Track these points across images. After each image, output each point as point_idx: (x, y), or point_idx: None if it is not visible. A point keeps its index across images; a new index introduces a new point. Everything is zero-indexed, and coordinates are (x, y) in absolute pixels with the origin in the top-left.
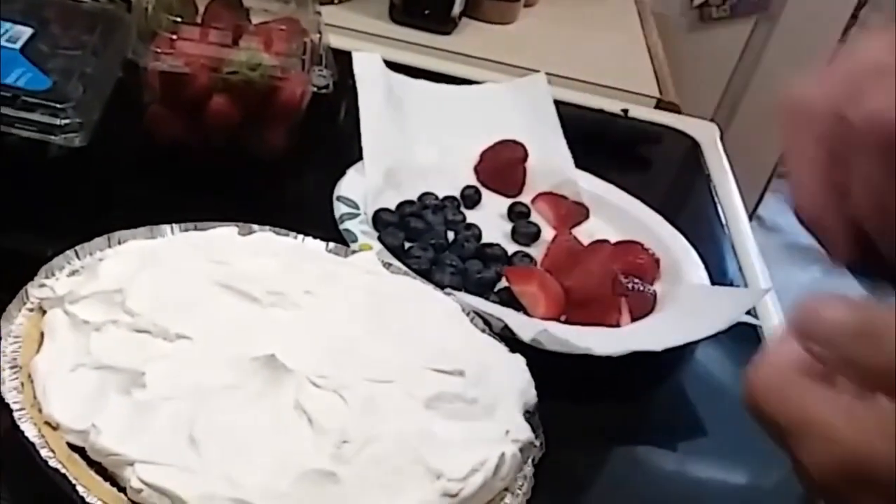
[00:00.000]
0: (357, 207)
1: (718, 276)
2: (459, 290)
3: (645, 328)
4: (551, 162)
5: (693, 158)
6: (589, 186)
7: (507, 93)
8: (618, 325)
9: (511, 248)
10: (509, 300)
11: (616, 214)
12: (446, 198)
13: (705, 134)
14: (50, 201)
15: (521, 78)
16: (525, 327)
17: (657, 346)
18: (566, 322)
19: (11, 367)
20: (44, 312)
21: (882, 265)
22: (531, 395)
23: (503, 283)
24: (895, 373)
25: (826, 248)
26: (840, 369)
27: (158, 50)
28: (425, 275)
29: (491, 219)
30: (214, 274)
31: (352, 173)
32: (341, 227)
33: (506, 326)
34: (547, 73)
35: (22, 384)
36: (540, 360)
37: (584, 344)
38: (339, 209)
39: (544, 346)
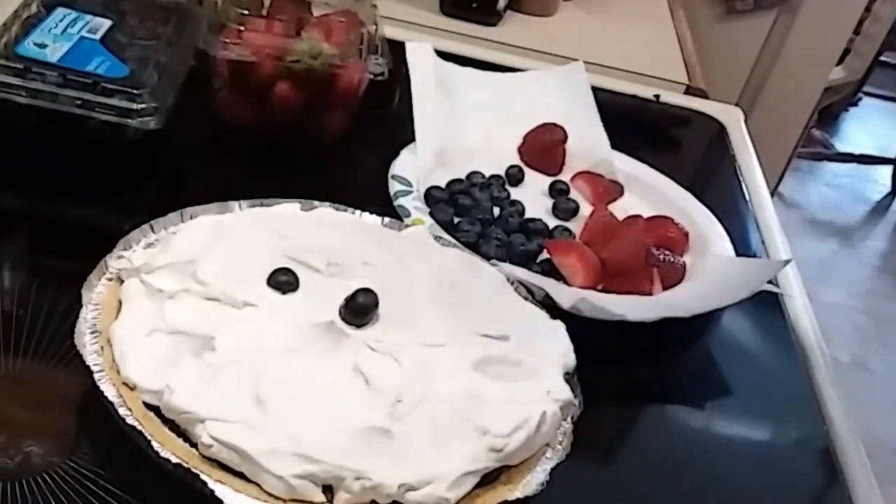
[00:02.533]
0: (410, 185)
1: (743, 248)
2: (504, 261)
3: (675, 296)
4: (589, 143)
5: (719, 140)
6: (623, 166)
7: (548, 80)
8: (650, 294)
9: (552, 222)
10: (550, 271)
11: (648, 192)
12: (492, 176)
13: (730, 117)
14: (127, 179)
15: (561, 66)
16: (565, 296)
17: (686, 312)
18: (602, 291)
19: (92, 333)
20: (121, 282)
21: None
22: (570, 359)
23: (544, 254)
24: None
25: None
26: None
27: (227, 40)
28: (473, 247)
29: (533, 196)
30: (279, 246)
31: (405, 154)
32: (395, 203)
33: (547, 295)
34: (585, 62)
35: (101, 348)
36: (578, 325)
37: (620, 311)
38: (394, 187)
39: (583, 313)
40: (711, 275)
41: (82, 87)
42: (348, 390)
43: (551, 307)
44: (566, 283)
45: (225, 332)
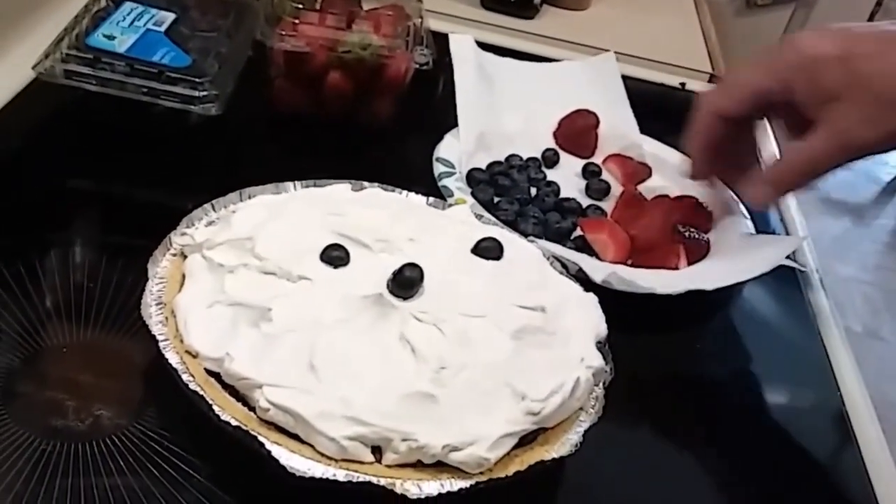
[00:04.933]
0: (453, 167)
1: (762, 225)
2: (541, 238)
3: (699, 271)
4: (619, 128)
5: None
6: (652, 149)
7: (582, 69)
8: (676, 268)
9: (585, 201)
10: (583, 247)
11: (675, 173)
12: (529, 159)
13: None
14: (190, 162)
15: (593, 56)
16: (597, 270)
17: (710, 285)
18: (632, 265)
19: (157, 304)
20: (185, 257)
21: None
22: (602, 328)
23: (578, 232)
24: None
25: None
26: None
27: (283, 32)
28: (511, 225)
29: (567, 177)
30: (330, 224)
31: (448, 138)
32: (440, 184)
33: (580, 269)
34: (615, 52)
35: (166, 319)
36: (610, 297)
37: (647, 284)
38: (438, 168)
39: (613, 286)
40: (733, 251)
41: (148, 76)
42: (395, 358)
43: (584, 280)
44: (598, 258)
45: (280, 304)
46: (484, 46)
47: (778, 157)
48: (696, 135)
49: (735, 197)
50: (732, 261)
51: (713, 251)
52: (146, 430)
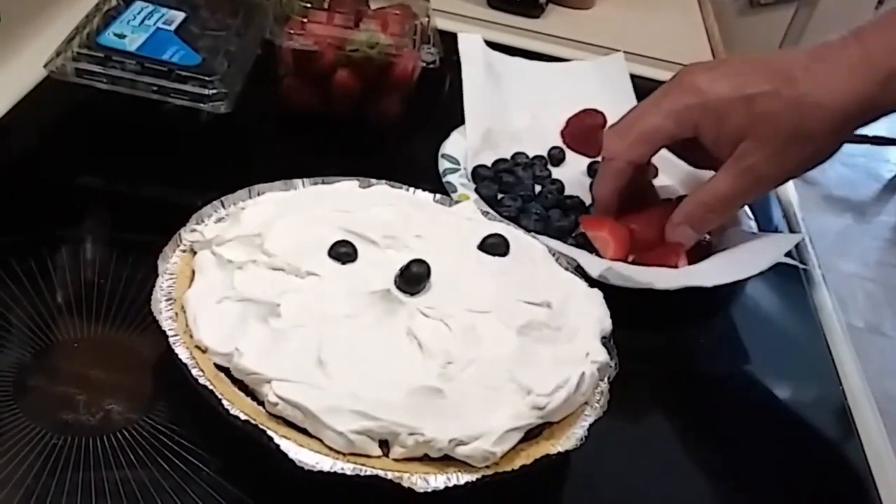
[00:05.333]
0: (458, 164)
1: (764, 223)
2: (542, 234)
3: (699, 268)
4: None
5: None
6: None
7: (591, 69)
8: (676, 266)
9: (588, 199)
10: (584, 244)
11: (680, 172)
12: (535, 157)
13: None
14: (200, 159)
15: (602, 56)
16: (593, 265)
17: (708, 282)
18: (633, 263)
19: (167, 300)
20: (194, 253)
21: None
22: (607, 324)
23: (580, 229)
24: None
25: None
26: None
27: (291, 31)
28: (514, 221)
29: (573, 175)
30: (338, 220)
31: (455, 135)
32: (444, 179)
33: (579, 265)
34: (619, 51)
35: (176, 314)
36: (614, 294)
37: (645, 279)
38: (443, 165)
39: (610, 281)
40: (733, 249)
41: (158, 75)
42: (403, 353)
43: (590, 277)
44: (599, 255)
45: (289, 300)
46: (490, 45)
47: (687, 196)
48: (607, 184)
49: None
50: (732, 258)
51: (714, 250)
52: (156, 424)
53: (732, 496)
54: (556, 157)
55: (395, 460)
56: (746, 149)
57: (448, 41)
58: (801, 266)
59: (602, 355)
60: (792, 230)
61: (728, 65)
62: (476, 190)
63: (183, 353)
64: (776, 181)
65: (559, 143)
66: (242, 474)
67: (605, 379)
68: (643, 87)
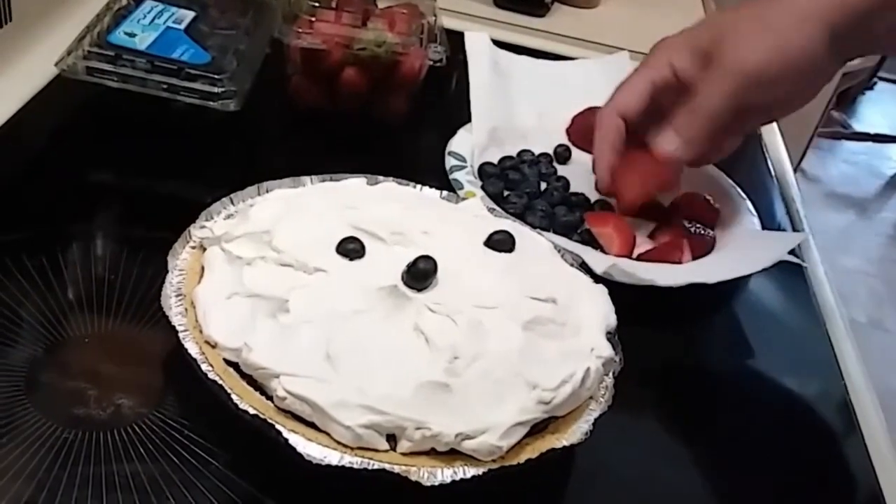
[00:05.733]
0: (465, 161)
1: (768, 220)
2: (548, 230)
3: (701, 265)
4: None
5: None
6: None
7: (595, 67)
8: (680, 263)
9: (594, 196)
10: (589, 240)
11: (684, 170)
12: (541, 154)
13: None
14: (209, 157)
15: (607, 55)
16: (598, 262)
17: (711, 279)
18: (637, 259)
19: (177, 296)
20: (204, 249)
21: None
22: (612, 319)
23: (585, 225)
24: None
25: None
26: None
27: (300, 30)
28: (519, 217)
29: (578, 172)
30: (346, 217)
31: (461, 133)
32: (450, 176)
33: (583, 261)
34: (623, 49)
35: (186, 310)
36: (619, 290)
37: (648, 276)
38: (450, 162)
39: (614, 277)
40: (736, 246)
41: (168, 73)
42: (410, 348)
43: (595, 273)
44: (603, 251)
45: (298, 296)
46: (496, 44)
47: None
48: (604, 138)
49: (742, 193)
50: (735, 256)
51: (718, 247)
52: (166, 418)
53: (736, 489)
54: (562, 154)
55: (403, 454)
56: (717, 52)
57: (455, 40)
58: (803, 264)
59: (607, 351)
60: (795, 227)
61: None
62: (482, 187)
63: (193, 349)
64: (754, 72)
65: (565, 140)
66: (251, 468)
67: (610, 374)
68: None
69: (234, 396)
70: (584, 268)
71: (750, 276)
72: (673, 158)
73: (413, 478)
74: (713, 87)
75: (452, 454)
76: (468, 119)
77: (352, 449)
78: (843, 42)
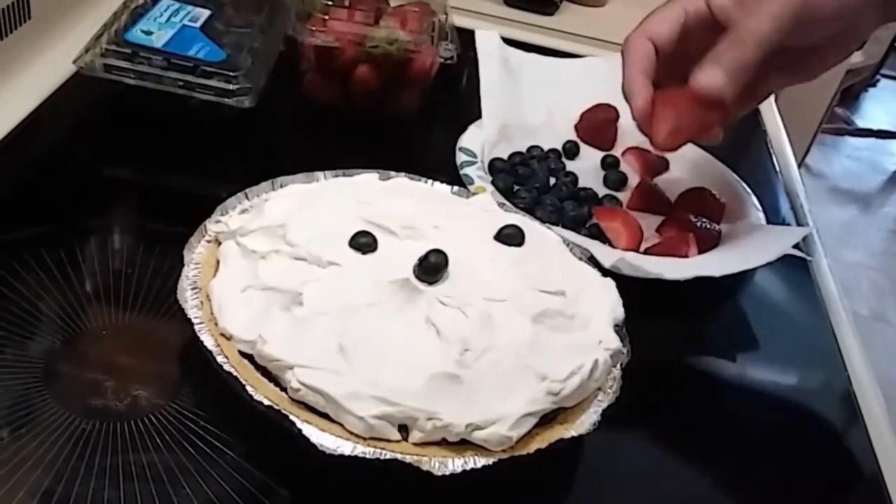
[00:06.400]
0: (475, 157)
1: (773, 215)
2: (557, 225)
3: (708, 259)
4: None
5: (752, 117)
6: None
7: (603, 64)
8: (686, 257)
9: (602, 191)
10: (597, 234)
11: (690, 166)
12: (550, 150)
13: None
14: (224, 152)
15: (615, 53)
16: (606, 256)
17: (716, 272)
18: (644, 253)
19: (193, 289)
20: (219, 243)
21: None
22: (620, 312)
23: (594, 220)
24: None
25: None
26: None
27: (313, 28)
28: (529, 211)
29: (587, 168)
30: (359, 212)
31: (472, 129)
32: (461, 172)
33: (592, 255)
34: None
35: (201, 303)
36: (627, 283)
37: (655, 270)
38: (460, 157)
39: (622, 271)
40: (742, 240)
41: (184, 70)
42: (421, 340)
43: (603, 266)
44: (611, 245)
45: (311, 289)
46: (506, 42)
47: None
48: (635, 63)
49: (747, 188)
50: (740, 250)
51: (724, 240)
52: (182, 409)
53: (740, 478)
54: (571, 150)
55: (414, 444)
56: None
57: (465, 38)
58: (807, 258)
59: (615, 343)
60: (799, 222)
61: None
62: (492, 182)
63: (208, 341)
64: (801, 7)
65: (573, 136)
66: (265, 458)
67: (618, 365)
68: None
69: (248, 388)
70: (593, 261)
71: (755, 269)
72: (716, 94)
73: (424, 467)
74: (761, 11)
75: (463, 444)
76: (478, 115)
77: (364, 439)
78: None
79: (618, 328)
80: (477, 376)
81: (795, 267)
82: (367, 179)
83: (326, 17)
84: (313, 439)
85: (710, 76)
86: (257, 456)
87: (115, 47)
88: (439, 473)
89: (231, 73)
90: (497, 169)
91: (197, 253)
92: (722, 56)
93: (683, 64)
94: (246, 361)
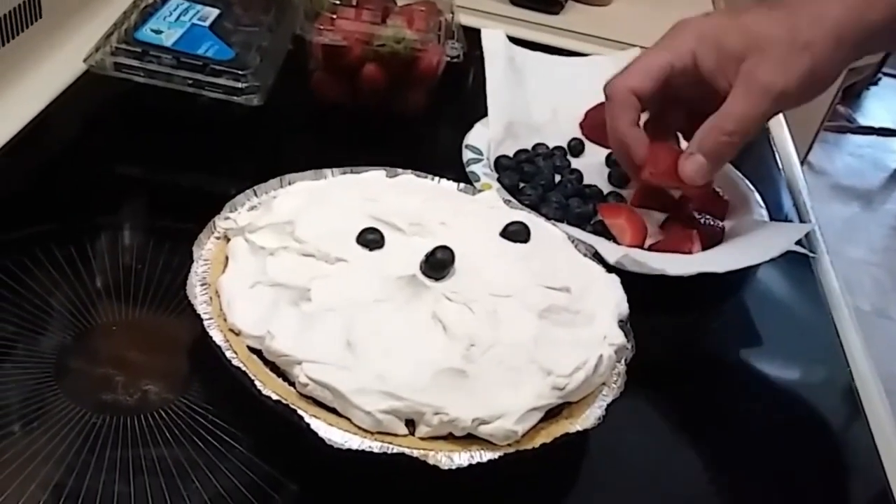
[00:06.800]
0: (481, 154)
1: (776, 211)
2: (562, 221)
3: (711, 255)
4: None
5: None
6: None
7: (608, 63)
8: (690, 253)
9: (606, 188)
10: (602, 231)
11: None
12: (555, 148)
13: None
14: (233, 150)
15: (620, 51)
16: (610, 252)
17: (720, 268)
18: (648, 250)
19: (202, 285)
20: (228, 240)
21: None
22: (624, 308)
23: (598, 216)
24: None
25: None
26: None
27: (321, 27)
28: (534, 209)
29: (591, 165)
30: (366, 208)
31: (478, 126)
32: (467, 169)
33: (596, 251)
34: (636, 46)
35: (210, 298)
36: (632, 279)
37: (659, 266)
38: (467, 155)
39: (626, 267)
40: (745, 236)
41: (193, 69)
42: (428, 335)
43: (607, 263)
44: (616, 241)
45: (319, 285)
46: (512, 40)
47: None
48: (618, 117)
49: (750, 185)
50: (744, 246)
51: (727, 237)
52: (191, 404)
53: (742, 473)
54: (576, 148)
55: (421, 439)
56: (749, 66)
57: (471, 36)
58: (810, 254)
59: (619, 338)
60: (801, 218)
61: (720, 11)
62: (498, 179)
63: (217, 336)
64: (784, 95)
65: (578, 134)
66: (274, 452)
67: (622, 361)
68: None
69: (257, 383)
70: (597, 258)
71: (758, 265)
72: (702, 181)
73: (431, 461)
74: (745, 105)
75: (469, 438)
76: (484, 113)
77: (372, 433)
78: (858, 55)
79: (622, 324)
80: (483, 371)
81: (798, 263)
82: (375, 177)
83: (334, 17)
84: (321, 434)
85: (695, 167)
86: (266, 450)
87: (126, 46)
88: (446, 467)
89: (240, 72)
90: (503, 166)
91: (206, 249)
92: (705, 142)
93: (667, 108)
94: (254, 357)
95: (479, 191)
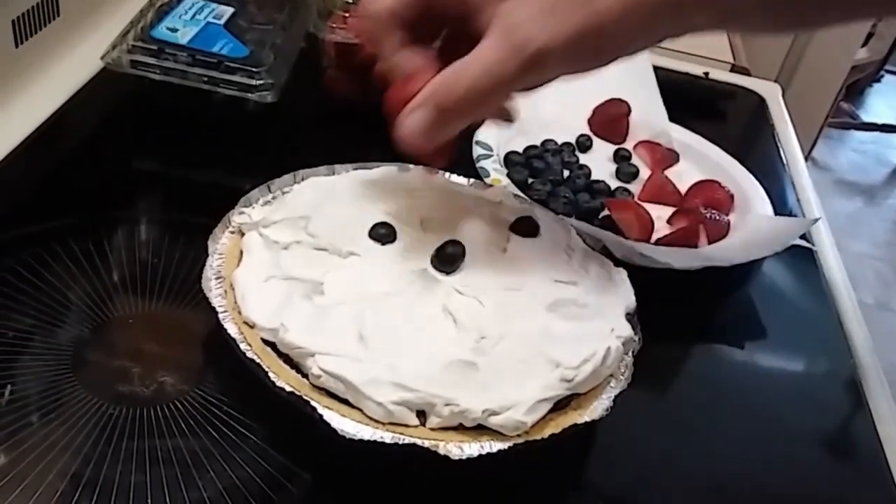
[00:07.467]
0: (491, 150)
1: (780, 206)
2: (570, 216)
3: (717, 249)
4: (649, 116)
5: (760, 112)
6: (679, 136)
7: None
8: (696, 247)
9: (614, 184)
10: (610, 226)
11: (700, 158)
12: (564, 143)
13: (770, 92)
14: (247, 146)
15: None
16: (618, 246)
17: (726, 262)
18: (655, 244)
19: (217, 278)
20: (242, 234)
21: None
22: (631, 301)
23: (606, 211)
24: None
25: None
26: None
27: (334, 25)
28: (543, 203)
29: (599, 161)
30: (378, 203)
31: (488, 122)
32: (477, 165)
33: (604, 245)
34: None
35: (225, 292)
36: (639, 273)
37: (666, 260)
38: (477, 151)
39: (634, 261)
40: (750, 231)
41: (208, 66)
42: (439, 328)
43: (615, 256)
44: (624, 236)
45: (332, 278)
46: None
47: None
48: (376, 40)
49: (755, 181)
50: (749, 240)
51: (733, 231)
52: (206, 395)
53: (747, 463)
54: (584, 143)
55: (432, 429)
56: (508, 7)
57: None
58: (814, 248)
59: (627, 331)
60: (805, 213)
61: None
62: (508, 175)
63: (232, 329)
64: (544, 55)
65: (586, 130)
66: (287, 442)
67: (630, 353)
68: (665, 78)
69: (271, 374)
70: (605, 252)
71: (763, 259)
72: (417, 142)
73: (442, 452)
74: (490, 60)
75: (479, 429)
76: None
77: (384, 424)
78: (671, 27)
79: (629, 317)
80: (493, 363)
81: (802, 257)
82: (387, 172)
83: (347, 15)
84: (334, 424)
85: (413, 124)
86: (279, 440)
87: (142, 44)
88: (456, 458)
89: (254, 69)
90: (513, 162)
91: (221, 243)
92: (433, 97)
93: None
94: (268, 349)
95: (489, 186)
